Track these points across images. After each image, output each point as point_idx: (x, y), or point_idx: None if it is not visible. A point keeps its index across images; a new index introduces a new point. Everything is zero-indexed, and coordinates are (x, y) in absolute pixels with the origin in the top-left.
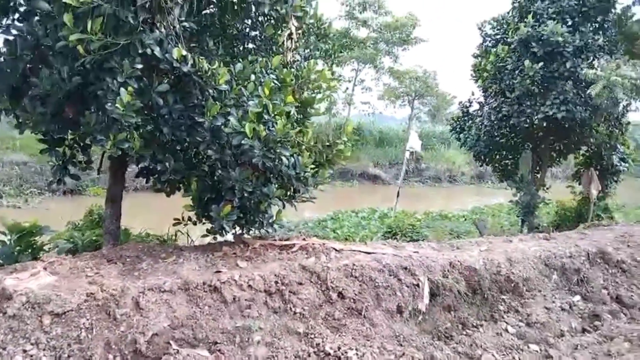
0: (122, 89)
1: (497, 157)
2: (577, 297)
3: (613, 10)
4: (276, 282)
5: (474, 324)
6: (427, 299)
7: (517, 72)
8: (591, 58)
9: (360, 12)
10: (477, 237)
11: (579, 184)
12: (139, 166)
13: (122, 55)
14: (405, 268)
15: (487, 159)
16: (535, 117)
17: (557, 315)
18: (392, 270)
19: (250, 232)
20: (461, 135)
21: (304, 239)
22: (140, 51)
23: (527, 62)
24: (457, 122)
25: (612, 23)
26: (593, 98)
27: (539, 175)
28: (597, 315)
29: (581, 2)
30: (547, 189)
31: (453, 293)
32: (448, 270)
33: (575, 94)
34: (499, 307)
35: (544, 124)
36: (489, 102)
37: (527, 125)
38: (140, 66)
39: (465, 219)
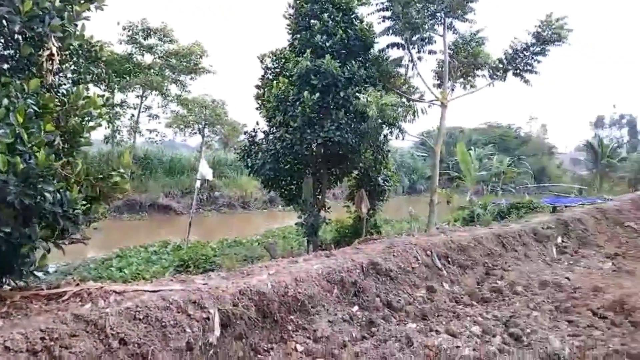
0: None
1: (283, 182)
2: (356, 308)
3: (372, 51)
4: (42, 339)
5: (265, 348)
6: (218, 331)
7: (297, 103)
8: (358, 89)
9: (144, 38)
10: (268, 260)
11: (353, 204)
12: None
13: None
14: (194, 302)
15: (274, 185)
16: (315, 144)
17: (339, 327)
18: (180, 306)
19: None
20: (249, 163)
21: (77, 284)
22: None
23: (306, 94)
24: (245, 151)
25: (372, 62)
26: (370, 118)
27: (320, 198)
28: (372, 322)
29: (345, 40)
30: (329, 209)
31: (244, 320)
32: (238, 298)
33: (346, 123)
34: (288, 328)
35: (322, 150)
36: (274, 131)
37: (307, 153)
38: None
39: (259, 243)
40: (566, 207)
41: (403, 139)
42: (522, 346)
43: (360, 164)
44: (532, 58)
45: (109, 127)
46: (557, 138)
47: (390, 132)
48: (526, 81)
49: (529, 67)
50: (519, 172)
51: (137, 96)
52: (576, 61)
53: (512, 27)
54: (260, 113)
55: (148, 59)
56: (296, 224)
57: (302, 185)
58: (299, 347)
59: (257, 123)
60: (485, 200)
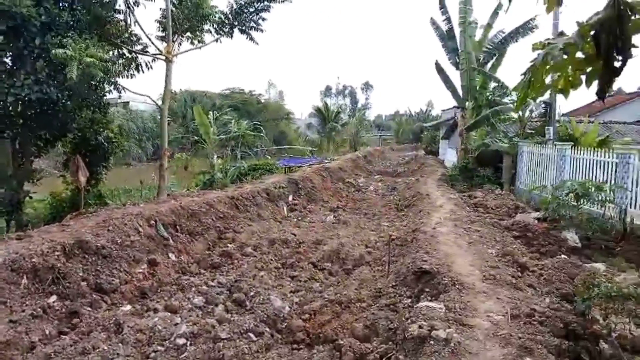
0: None
1: None
2: (53, 298)
3: None
4: None
5: None
6: None
7: None
8: (60, 37)
9: None
10: None
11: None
12: None
13: None
14: None
15: None
16: (4, 101)
17: (27, 326)
18: None
19: None
20: None
21: None
22: None
23: None
24: None
25: (81, 4)
26: (69, 80)
27: (23, 167)
28: (75, 312)
29: None
30: (39, 180)
31: None
32: None
33: (49, 75)
34: None
35: (20, 108)
36: None
37: (4, 112)
38: None
39: None
40: (299, 167)
41: (120, 96)
42: (244, 311)
43: (74, 125)
44: (257, 15)
45: None
46: (294, 105)
47: (97, 87)
48: (252, 39)
49: (254, 25)
50: (254, 135)
51: None
52: (309, 33)
53: None
54: None
55: None
56: None
57: None
58: None
59: None
60: (224, 164)
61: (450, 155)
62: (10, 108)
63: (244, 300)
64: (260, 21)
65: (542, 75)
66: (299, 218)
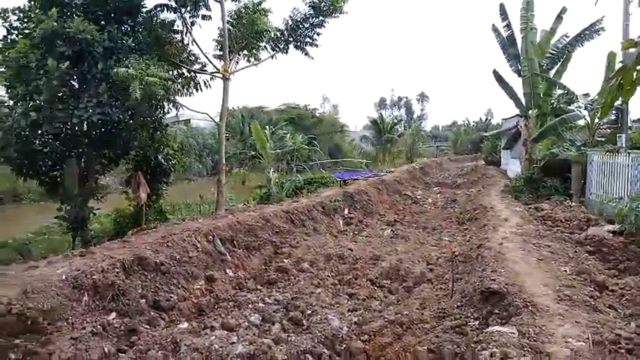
0: None
1: (44, 168)
2: (113, 315)
3: (142, 13)
4: None
5: None
6: None
7: (42, 72)
8: (123, 59)
9: None
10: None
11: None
12: None
13: None
14: None
15: (29, 172)
16: (70, 122)
17: (87, 344)
18: None
19: None
20: None
21: None
22: None
23: (50, 61)
24: None
25: (143, 26)
26: (133, 99)
27: (88, 185)
28: (134, 330)
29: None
30: (102, 197)
31: None
32: None
33: (111, 96)
34: (11, 357)
35: (85, 129)
36: (17, 105)
37: (70, 132)
38: None
39: (28, 243)
40: (354, 180)
41: (177, 115)
42: (301, 331)
43: (136, 143)
44: (312, 30)
45: None
46: (348, 117)
47: (158, 107)
48: (306, 54)
49: (309, 40)
50: (309, 148)
51: None
52: (362, 45)
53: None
54: None
55: None
56: (56, 217)
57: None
58: None
59: None
60: (280, 178)
61: (513, 166)
62: (76, 128)
63: (301, 319)
64: (315, 36)
65: (632, 77)
66: (355, 232)
